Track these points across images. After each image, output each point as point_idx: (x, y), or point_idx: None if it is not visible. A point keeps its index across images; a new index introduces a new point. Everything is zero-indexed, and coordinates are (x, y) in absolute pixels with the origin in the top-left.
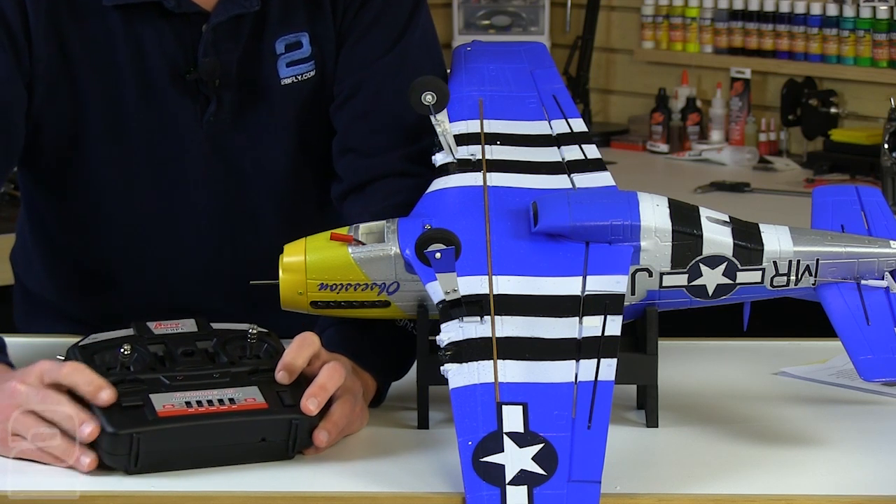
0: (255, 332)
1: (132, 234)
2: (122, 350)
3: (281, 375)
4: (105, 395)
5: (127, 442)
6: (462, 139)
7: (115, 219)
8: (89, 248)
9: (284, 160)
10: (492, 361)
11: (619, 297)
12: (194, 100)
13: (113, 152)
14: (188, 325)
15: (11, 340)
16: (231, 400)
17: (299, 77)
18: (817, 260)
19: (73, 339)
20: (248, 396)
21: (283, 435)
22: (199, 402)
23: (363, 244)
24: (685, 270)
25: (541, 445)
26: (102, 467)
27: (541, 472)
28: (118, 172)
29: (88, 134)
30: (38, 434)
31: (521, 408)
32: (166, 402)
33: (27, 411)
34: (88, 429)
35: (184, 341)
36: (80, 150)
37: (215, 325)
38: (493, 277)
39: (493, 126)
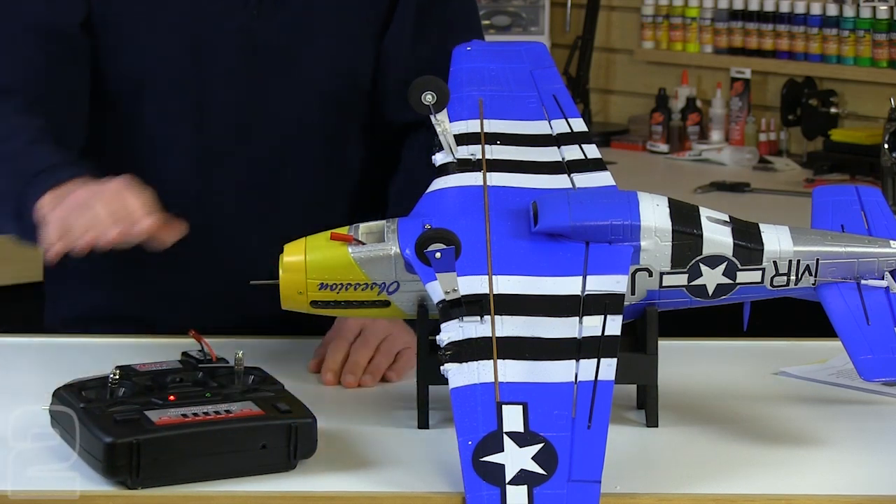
0: (241, 366)
1: (158, 118)
2: (111, 376)
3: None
4: (147, 221)
5: (126, 451)
6: (462, 139)
7: (149, 106)
8: (121, 148)
9: (312, 89)
10: (492, 361)
11: (619, 297)
12: None
13: (152, 33)
14: (172, 364)
15: (31, 341)
16: (227, 411)
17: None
18: (817, 260)
19: (88, 339)
20: (244, 408)
21: (284, 440)
22: (195, 414)
23: (363, 244)
24: (685, 270)
25: (541, 445)
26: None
27: (541, 471)
28: (158, 51)
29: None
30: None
31: (521, 407)
32: (162, 415)
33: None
34: (84, 240)
35: (170, 373)
36: (120, 33)
37: (206, 340)
38: (493, 277)
39: (493, 126)
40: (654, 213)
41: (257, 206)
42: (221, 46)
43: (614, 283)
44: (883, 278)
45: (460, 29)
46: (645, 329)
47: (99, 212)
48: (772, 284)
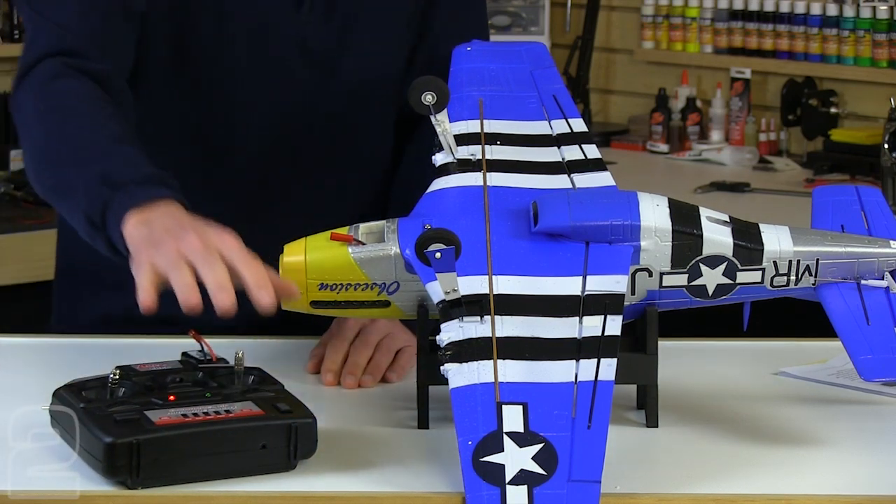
0: (241, 366)
1: (225, 117)
2: (111, 376)
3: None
4: (265, 295)
5: (126, 451)
6: (462, 139)
7: (216, 104)
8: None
9: (353, 88)
10: (492, 361)
11: (619, 297)
12: None
13: (215, 44)
14: (172, 364)
15: (31, 341)
16: (227, 411)
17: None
18: (817, 260)
19: (88, 339)
20: (244, 408)
21: (284, 440)
22: (195, 414)
23: (363, 244)
24: (685, 270)
25: (541, 445)
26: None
27: (541, 471)
28: (219, 65)
29: (192, 19)
30: (181, 276)
31: (521, 407)
32: (163, 416)
33: (182, 257)
34: (223, 296)
35: (170, 373)
36: (184, 41)
37: (206, 340)
38: (493, 277)
39: (493, 126)
40: (654, 213)
41: (292, 201)
42: (276, 48)
43: (614, 283)
44: (883, 278)
45: (463, 28)
46: (645, 329)
47: (207, 273)
48: (772, 284)
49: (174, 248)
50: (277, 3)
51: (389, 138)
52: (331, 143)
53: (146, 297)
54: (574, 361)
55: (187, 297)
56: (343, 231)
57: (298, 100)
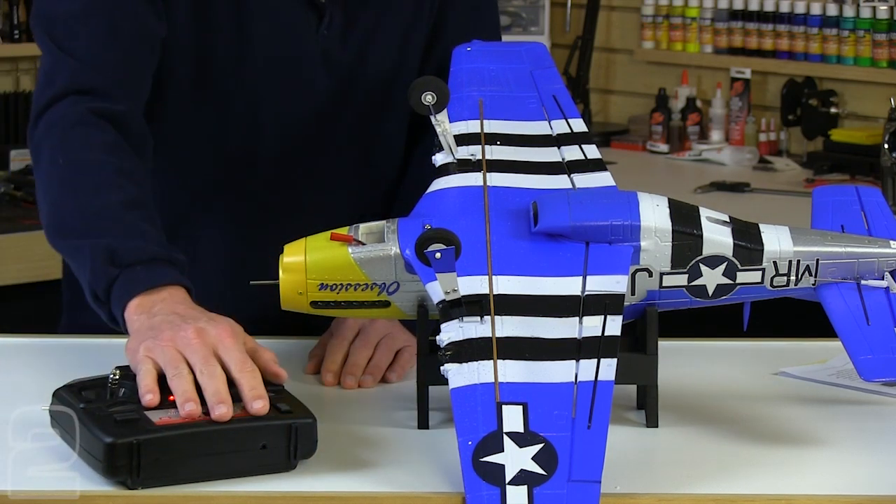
0: None
1: (247, 127)
2: (111, 376)
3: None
4: (259, 404)
5: (127, 451)
6: (462, 139)
7: (235, 126)
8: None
9: (372, 96)
10: (492, 361)
11: (619, 297)
12: (313, 12)
13: (237, 62)
14: None
15: (31, 341)
16: None
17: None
18: (817, 260)
19: (88, 339)
20: (244, 408)
21: (284, 440)
22: None
23: (363, 244)
24: (685, 270)
25: (541, 445)
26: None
27: (541, 471)
28: (242, 81)
29: (214, 37)
30: (181, 382)
31: (521, 408)
32: (163, 416)
33: (181, 357)
34: (221, 410)
35: None
36: (206, 59)
37: None
38: (493, 277)
39: (493, 126)
40: (654, 213)
41: (303, 204)
42: (297, 63)
43: (614, 284)
44: (883, 278)
45: (476, 29)
46: (645, 329)
47: (206, 382)
48: (772, 285)
49: (172, 343)
50: (298, 19)
51: (403, 141)
52: (347, 149)
53: (150, 398)
54: (574, 361)
55: (185, 403)
56: (343, 231)
57: (319, 110)
